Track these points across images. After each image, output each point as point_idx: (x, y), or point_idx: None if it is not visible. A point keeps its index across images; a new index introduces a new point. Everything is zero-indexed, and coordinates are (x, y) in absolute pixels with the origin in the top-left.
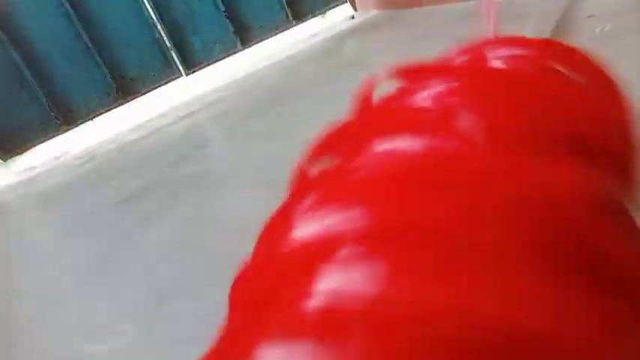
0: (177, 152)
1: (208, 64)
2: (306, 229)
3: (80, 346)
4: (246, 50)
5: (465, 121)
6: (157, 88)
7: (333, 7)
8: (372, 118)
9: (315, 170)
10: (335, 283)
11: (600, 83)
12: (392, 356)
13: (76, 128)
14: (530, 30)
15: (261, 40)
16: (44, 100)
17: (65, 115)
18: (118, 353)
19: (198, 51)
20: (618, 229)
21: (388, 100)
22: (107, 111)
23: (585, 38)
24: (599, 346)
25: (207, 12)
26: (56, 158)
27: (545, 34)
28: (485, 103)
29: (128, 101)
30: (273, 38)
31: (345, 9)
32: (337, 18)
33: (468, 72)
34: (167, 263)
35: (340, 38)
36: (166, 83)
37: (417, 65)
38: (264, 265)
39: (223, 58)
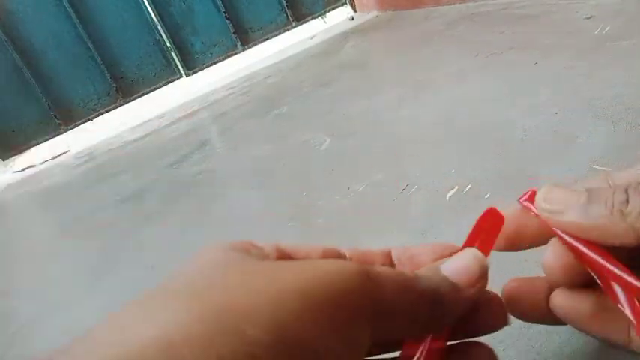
0: (177, 152)
1: (208, 65)
2: None
3: None
4: (247, 51)
5: None
6: (156, 88)
7: (334, 8)
8: None
9: None
10: None
11: None
12: None
13: (76, 128)
14: (531, 32)
15: (262, 42)
16: (44, 100)
17: (65, 115)
18: None
19: (198, 52)
20: None
21: None
22: (107, 111)
23: (585, 39)
24: None
25: (208, 13)
26: (56, 158)
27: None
28: None
29: (128, 101)
30: (274, 39)
31: (345, 10)
32: (337, 19)
33: None
34: (167, 263)
35: (340, 39)
36: (166, 84)
37: None
38: None
39: (223, 59)
